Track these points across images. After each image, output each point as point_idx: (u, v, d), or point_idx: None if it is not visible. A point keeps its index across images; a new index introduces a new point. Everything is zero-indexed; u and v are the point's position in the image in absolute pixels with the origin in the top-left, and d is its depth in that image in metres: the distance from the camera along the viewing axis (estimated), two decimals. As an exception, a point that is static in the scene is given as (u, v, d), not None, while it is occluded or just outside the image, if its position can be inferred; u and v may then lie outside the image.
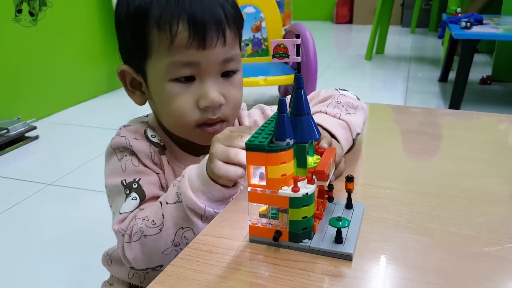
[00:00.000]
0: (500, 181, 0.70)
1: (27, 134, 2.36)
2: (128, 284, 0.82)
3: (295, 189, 0.48)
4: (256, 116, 0.83)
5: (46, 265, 1.41)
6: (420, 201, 0.63)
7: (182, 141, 0.76)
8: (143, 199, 0.68)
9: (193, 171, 0.61)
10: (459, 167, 0.76)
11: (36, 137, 2.38)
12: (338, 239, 0.51)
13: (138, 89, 0.74)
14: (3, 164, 2.12)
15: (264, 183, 0.49)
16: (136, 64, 0.71)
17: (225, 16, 0.66)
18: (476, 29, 2.57)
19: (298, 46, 0.48)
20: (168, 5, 0.64)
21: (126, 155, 0.71)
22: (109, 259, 0.82)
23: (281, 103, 0.46)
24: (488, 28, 2.60)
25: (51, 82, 2.77)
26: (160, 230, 0.62)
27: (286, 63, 2.80)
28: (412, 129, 0.95)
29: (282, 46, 0.48)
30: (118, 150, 0.72)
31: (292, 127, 0.48)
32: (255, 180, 0.49)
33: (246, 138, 0.53)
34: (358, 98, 0.82)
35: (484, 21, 2.73)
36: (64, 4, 2.81)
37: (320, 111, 0.74)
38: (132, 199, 0.68)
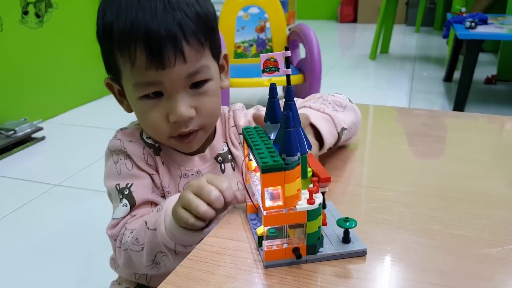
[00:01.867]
0: (501, 183, 0.71)
1: (33, 135, 2.38)
2: (136, 283, 0.83)
3: (311, 201, 0.48)
4: (251, 117, 0.82)
5: (54, 265, 1.43)
6: (422, 203, 0.64)
7: None
8: (133, 206, 0.70)
9: (171, 204, 0.63)
10: (461, 169, 0.77)
11: (43, 138, 2.41)
12: (346, 239, 0.53)
13: (125, 98, 0.76)
14: (10, 164, 2.14)
15: (279, 202, 0.47)
16: (115, 78, 0.73)
17: (183, 33, 0.64)
18: (481, 29, 2.58)
19: (287, 59, 0.48)
20: (125, 27, 0.64)
21: (121, 158, 0.74)
22: (116, 263, 0.83)
23: (287, 119, 0.46)
24: (492, 28, 2.60)
25: (57, 83, 2.79)
26: (142, 249, 0.65)
27: (290, 63, 2.81)
28: (415, 131, 0.96)
29: (272, 60, 0.48)
30: (114, 152, 0.75)
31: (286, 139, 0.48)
32: (270, 202, 0.48)
33: (214, 193, 0.57)
34: (350, 101, 0.81)
35: (489, 21, 2.73)
36: (69, 5, 2.83)
37: (304, 106, 0.75)
38: (123, 206, 0.70)
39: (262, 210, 0.47)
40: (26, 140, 2.33)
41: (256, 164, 0.52)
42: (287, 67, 0.48)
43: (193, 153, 0.77)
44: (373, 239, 0.56)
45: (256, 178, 0.54)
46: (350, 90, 3.26)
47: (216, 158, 0.78)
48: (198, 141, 0.74)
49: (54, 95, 2.78)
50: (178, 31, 0.64)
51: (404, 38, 5.33)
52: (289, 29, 2.96)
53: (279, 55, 0.48)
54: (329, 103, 0.76)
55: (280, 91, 3.11)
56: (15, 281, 1.36)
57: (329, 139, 0.70)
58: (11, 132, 2.26)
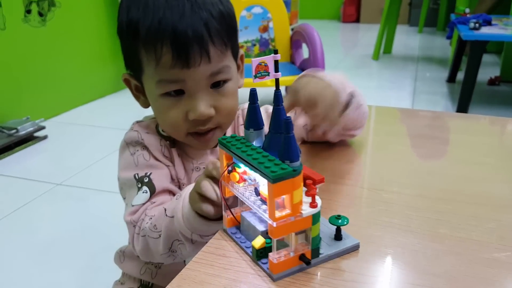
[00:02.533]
0: (508, 186, 0.71)
1: (36, 134, 2.38)
2: (139, 281, 0.83)
3: (314, 204, 0.47)
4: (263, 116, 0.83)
5: (56, 265, 1.43)
6: (429, 206, 0.64)
7: None
8: (153, 192, 0.71)
9: (188, 190, 0.64)
10: (467, 172, 0.76)
11: (45, 137, 2.40)
12: (338, 236, 0.53)
13: (142, 94, 0.76)
14: (12, 163, 2.14)
15: (286, 211, 0.46)
16: (135, 75, 0.75)
17: (209, 33, 0.66)
18: (485, 30, 2.57)
19: (276, 62, 0.47)
20: (152, 25, 0.65)
21: (138, 150, 0.75)
22: (122, 256, 0.84)
23: (287, 124, 0.45)
24: (496, 29, 2.59)
25: (59, 82, 2.79)
26: (159, 236, 0.66)
27: (293, 63, 2.81)
28: (420, 133, 0.96)
29: (263, 64, 0.47)
30: (131, 144, 0.76)
31: (276, 144, 0.47)
32: (279, 213, 0.46)
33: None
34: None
35: (493, 22, 2.72)
36: (72, 4, 2.83)
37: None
38: (143, 193, 0.71)
39: (271, 221, 0.45)
40: (28, 139, 2.33)
41: (248, 176, 0.51)
42: (276, 70, 0.48)
43: (207, 147, 0.79)
44: (380, 243, 0.55)
45: (243, 190, 0.52)
46: (353, 90, 3.25)
47: None
48: (215, 139, 0.74)
49: (56, 94, 2.77)
50: (204, 32, 0.65)
51: (407, 39, 5.32)
52: (292, 29, 2.96)
53: (269, 59, 0.47)
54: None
55: (283, 92, 3.09)
56: (16, 281, 1.36)
57: (339, 87, 0.69)
58: (13, 131, 2.26)
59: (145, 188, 0.71)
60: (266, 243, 0.50)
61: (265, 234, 0.51)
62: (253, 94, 0.51)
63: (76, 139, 2.46)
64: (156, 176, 0.73)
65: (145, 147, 0.74)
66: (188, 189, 0.64)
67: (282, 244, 0.50)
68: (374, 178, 0.75)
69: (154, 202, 0.71)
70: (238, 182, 0.53)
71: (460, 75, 3.12)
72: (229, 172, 0.53)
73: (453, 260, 0.52)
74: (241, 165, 0.51)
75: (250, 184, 0.52)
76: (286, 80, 2.53)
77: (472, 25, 2.54)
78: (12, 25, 2.43)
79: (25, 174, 2.03)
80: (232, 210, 0.55)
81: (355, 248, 0.53)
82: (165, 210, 0.66)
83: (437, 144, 0.89)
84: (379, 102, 2.97)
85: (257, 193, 0.50)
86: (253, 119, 0.52)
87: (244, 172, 0.52)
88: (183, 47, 0.64)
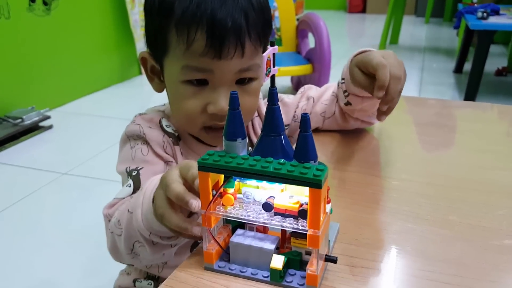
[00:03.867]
0: (519, 173, 0.70)
1: (41, 124, 2.38)
2: (146, 273, 0.82)
3: (328, 200, 0.45)
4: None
5: (62, 254, 1.43)
6: (439, 193, 0.63)
7: None
8: (137, 188, 0.66)
9: (152, 185, 0.56)
10: (477, 160, 0.75)
11: (50, 127, 2.40)
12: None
13: (157, 76, 0.74)
14: (18, 153, 2.14)
15: (322, 217, 0.42)
16: (156, 55, 0.71)
17: (247, 24, 0.62)
18: (493, 19, 2.54)
19: (273, 56, 0.44)
20: (189, 7, 0.61)
21: (138, 143, 0.71)
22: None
23: (306, 121, 0.42)
24: (505, 19, 2.56)
25: (64, 71, 2.78)
26: (121, 234, 0.59)
27: (299, 53, 2.79)
28: (429, 121, 0.95)
29: (268, 59, 0.44)
30: (132, 138, 0.73)
31: (270, 147, 0.44)
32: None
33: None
34: None
35: (501, 12, 2.70)
36: (77, -7, 2.82)
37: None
38: (127, 186, 0.67)
39: (315, 231, 0.41)
40: (34, 129, 2.33)
41: (244, 193, 0.46)
42: (274, 65, 0.44)
43: (214, 143, 0.75)
44: (389, 229, 0.55)
45: (243, 212, 0.46)
46: (358, 81, 3.24)
47: None
48: None
49: (61, 84, 2.77)
50: (243, 23, 0.62)
51: (414, 29, 5.28)
52: (297, 19, 2.94)
53: (270, 51, 0.44)
54: None
55: (289, 82, 3.08)
56: (22, 270, 1.37)
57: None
58: (19, 120, 2.26)
59: (129, 181, 0.67)
60: (292, 258, 0.46)
61: (276, 251, 0.46)
62: (233, 97, 0.46)
63: (81, 129, 2.46)
64: (146, 172, 0.68)
65: (145, 142, 0.71)
66: (153, 182, 0.56)
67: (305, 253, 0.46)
68: (385, 165, 0.74)
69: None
70: (232, 204, 0.46)
71: (467, 66, 3.09)
72: (221, 196, 0.46)
73: (463, 247, 0.51)
74: (244, 181, 0.46)
75: (247, 202, 0.46)
76: (292, 70, 2.51)
77: (480, 14, 2.51)
78: (17, 14, 2.42)
79: (31, 164, 2.03)
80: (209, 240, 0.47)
81: (338, 231, 0.53)
82: (130, 203, 0.59)
83: (446, 132, 0.88)
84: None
85: (269, 208, 0.44)
86: (240, 127, 0.46)
87: (236, 191, 0.47)
88: (219, 36, 0.61)
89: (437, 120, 0.95)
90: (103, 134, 2.35)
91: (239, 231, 0.48)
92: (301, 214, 0.43)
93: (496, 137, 0.85)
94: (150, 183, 0.56)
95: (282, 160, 0.43)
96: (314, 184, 0.40)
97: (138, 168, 0.69)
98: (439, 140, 0.83)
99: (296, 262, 0.46)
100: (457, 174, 0.69)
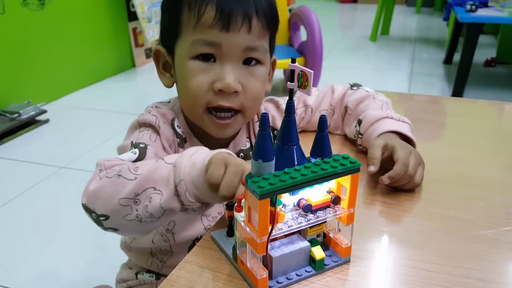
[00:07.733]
0: (499, 167, 0.75)
1: (37, 118, 2.40)
2: (146, 270, 0.85)
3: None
4: (273, 111, 0.84)
5: (62, 248, 1.46)
6: (422, 186, 0.68)
7: (202, 134, 0.77)
8: (140, 159, 0.67)
9: (204, 153, 0.60)
10: (461, 154, 0.80)
11: (47, 121, 2.43)
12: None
13: (168, 72, 0.77)
14: (16, 147, 2.17)
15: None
16: (168, 45, 0.74)
17: (255, 7, 0.67)
18: (481, 12, 2.58)
19: (292, 72, 0.46)
20: None
21: (148, 130, 0.73)
22: (128, 246, 0.85)
23: (322, 122, 0.48)
24: (493, 11, 2.61)
25: (59, 65, 2.80)
26: (135, 178, 0.60)
27: (291, 45, 2.82)
28: (415, 117, 0.99)
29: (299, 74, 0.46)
30: (144, 125, 0.74)
31: (287, 155, 0.47)
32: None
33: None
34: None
35: (489, 4, 2.74)
36: (70, -13, 2.83)
37: (386, 117, 0.78)
38: (132, 152, 0.68)
39: (353, 208, 0.49)
40: (31, 123, 2.35)
41: (286, 203, 0.48)
42: (292, 80, 0.46)
43: (216, 148, 0.77)
44: (375, 221, 0.60)
45: (291, 223, 0.47)
46: (350, 72, 3.28)
47: (238, 154, 0.79)
48: (234, 127, 0.73)
49: (57, 78, 2.79)
50: (252, 4, 0.67)
51: (405, 19, 5.31)
52: (290, 10, 2.96)
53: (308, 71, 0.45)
54: (386, 103, 0.82)
55: (281, 74, 3.11)
56: (23, 263, 1.40)
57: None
58: (16, 115, 2.28)
59: (135, 150, 0.68)
60: (318, 243, 0.51)
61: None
62: (264, 119, 0.44)
63: (78, 122, 2.49)
64: (151, 150, 0.69)
65: (157, 132, 0.73)
66: (204, 151, 0.60)
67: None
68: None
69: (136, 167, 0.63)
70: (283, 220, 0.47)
71: (457, 57, 3.14)
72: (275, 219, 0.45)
73: (444, 237, 0.56)
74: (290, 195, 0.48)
75: (292, 210, 0.49)
76: (284, 62, 2.54)
77: (468, 7, 2.55)
78: (12, 9, 2.43)
79: (29, 158, 2.06)
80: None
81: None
82: (163, 159, 0.61)
83: (432, 127, 0.93)
84: (376, 83, 3.00)
85: (309, 208, 0.48)
86: (264, 148, 0.45)
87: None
88: (228, 6, 0.65)
89: (424, 115, 0.99)
90: (99, 127, 2.38)
91: (269, 246, 0.48)
92: (335, 201, 0.49)
93: (481, 132, 0.90)
94: (198, 152, 0.60)
95: (316, 160, 0.47)
96: (355, 170, 0.47)
97: (145, 144, 0.70)
98: (424, 135, 0.88)
99: (320, 246, 0.51)
100: (440, 168, 0.74)
